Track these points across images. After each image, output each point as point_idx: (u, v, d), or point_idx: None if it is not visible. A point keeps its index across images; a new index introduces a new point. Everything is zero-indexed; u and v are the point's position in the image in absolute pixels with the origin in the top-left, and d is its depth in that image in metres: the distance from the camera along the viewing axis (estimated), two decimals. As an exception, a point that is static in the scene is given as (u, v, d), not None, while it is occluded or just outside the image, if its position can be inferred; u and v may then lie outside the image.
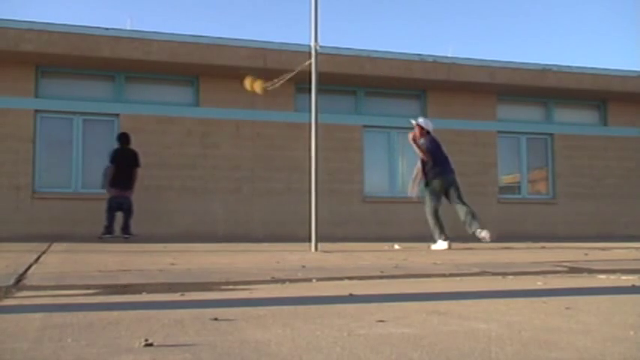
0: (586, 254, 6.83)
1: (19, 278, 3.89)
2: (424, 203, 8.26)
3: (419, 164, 8.40)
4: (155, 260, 5.59)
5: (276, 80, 7.44)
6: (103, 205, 9.99)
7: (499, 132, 13.34)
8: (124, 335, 2.07)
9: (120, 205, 10.03)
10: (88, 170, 11.07)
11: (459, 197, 8.17)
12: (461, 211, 8.04)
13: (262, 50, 11.23)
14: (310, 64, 7.29)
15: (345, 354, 1.80)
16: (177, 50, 10.92)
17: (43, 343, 1.94)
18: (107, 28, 10.69)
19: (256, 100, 11.72)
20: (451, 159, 8.41)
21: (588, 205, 13.56)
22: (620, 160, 13.95)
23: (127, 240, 9.65)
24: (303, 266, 4.94)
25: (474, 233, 7.98)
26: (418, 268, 5.12)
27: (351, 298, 3.14)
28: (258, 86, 7.70)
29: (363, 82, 12.37)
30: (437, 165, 8.16)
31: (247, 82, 7.80)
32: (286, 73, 7.50)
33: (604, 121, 14.19)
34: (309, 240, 7.27)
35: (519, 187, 13.67)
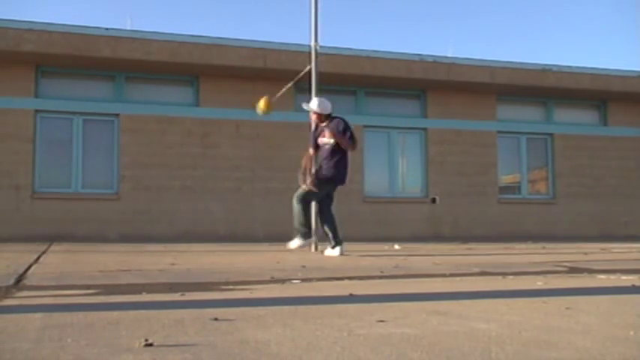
0: (586, 254, 6.83)
1: (19, 278, 3.89)
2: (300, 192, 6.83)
3: (310, 151, 7.10)
4: (155, 260, 5.60)
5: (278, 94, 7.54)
6: (103, 206, 9.98)
7: (499, 132, 13.33)
8: (124, 335, 2.06)
9: None
10: (88, 170, 11.06)
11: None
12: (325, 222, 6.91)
13: (262, 50, 11.23)
14: (310, 69, 7.35)
15: (345, 354, 1.80)
16: (177, 50, 10.91)
17: (43, 343, 1.94)
18: (107, 28, 10.68)
19: (256, 100, 11.69)
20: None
21: (588, 205, 13.55)
22: (620, 160, 13.94)
23: None
24: (303, 266, 4.94)
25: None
26: (418, 268, 5.12)
27: (351, 298, 3.14)
28: (265, 104, 7.60)
29: (363, 82, 12.37)
30: (343, 161, 6.80)
31: (262, 105, 7.58)
32: (286, 84, 7.62)
33: (604, 121, 14.18)
34: (309, 240, 7.26)
35: (519, 187, 13.66)
